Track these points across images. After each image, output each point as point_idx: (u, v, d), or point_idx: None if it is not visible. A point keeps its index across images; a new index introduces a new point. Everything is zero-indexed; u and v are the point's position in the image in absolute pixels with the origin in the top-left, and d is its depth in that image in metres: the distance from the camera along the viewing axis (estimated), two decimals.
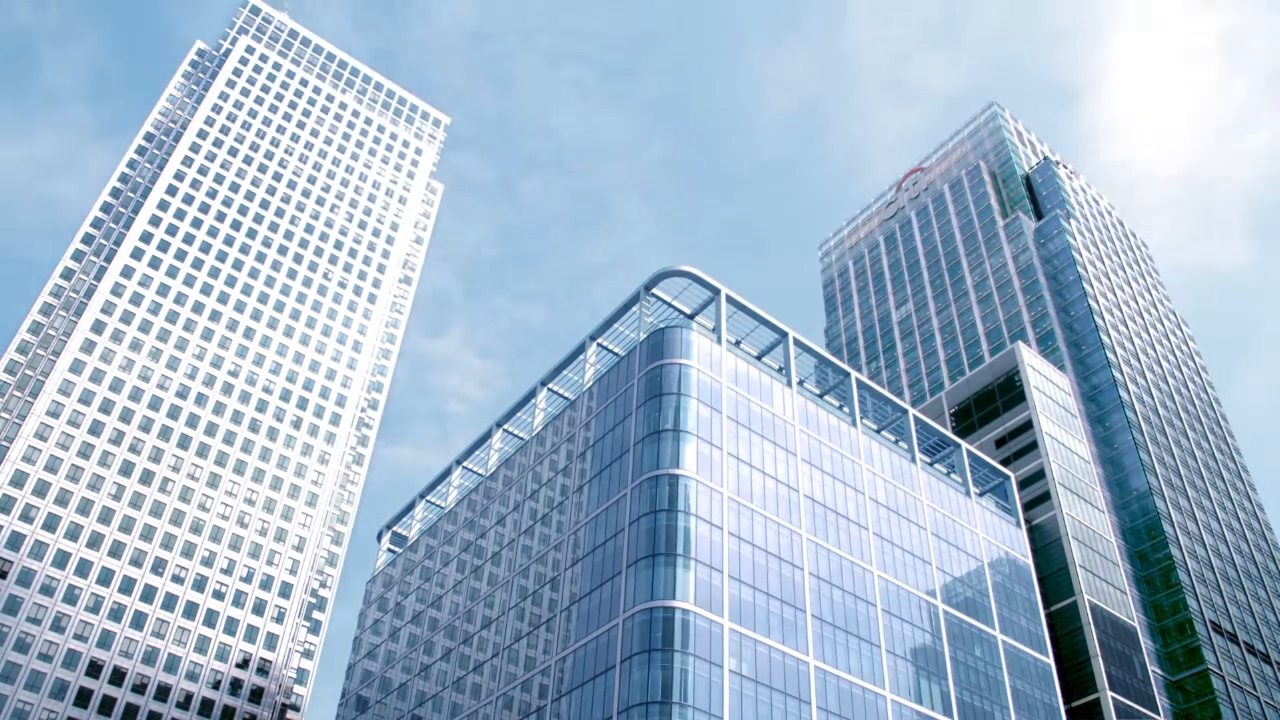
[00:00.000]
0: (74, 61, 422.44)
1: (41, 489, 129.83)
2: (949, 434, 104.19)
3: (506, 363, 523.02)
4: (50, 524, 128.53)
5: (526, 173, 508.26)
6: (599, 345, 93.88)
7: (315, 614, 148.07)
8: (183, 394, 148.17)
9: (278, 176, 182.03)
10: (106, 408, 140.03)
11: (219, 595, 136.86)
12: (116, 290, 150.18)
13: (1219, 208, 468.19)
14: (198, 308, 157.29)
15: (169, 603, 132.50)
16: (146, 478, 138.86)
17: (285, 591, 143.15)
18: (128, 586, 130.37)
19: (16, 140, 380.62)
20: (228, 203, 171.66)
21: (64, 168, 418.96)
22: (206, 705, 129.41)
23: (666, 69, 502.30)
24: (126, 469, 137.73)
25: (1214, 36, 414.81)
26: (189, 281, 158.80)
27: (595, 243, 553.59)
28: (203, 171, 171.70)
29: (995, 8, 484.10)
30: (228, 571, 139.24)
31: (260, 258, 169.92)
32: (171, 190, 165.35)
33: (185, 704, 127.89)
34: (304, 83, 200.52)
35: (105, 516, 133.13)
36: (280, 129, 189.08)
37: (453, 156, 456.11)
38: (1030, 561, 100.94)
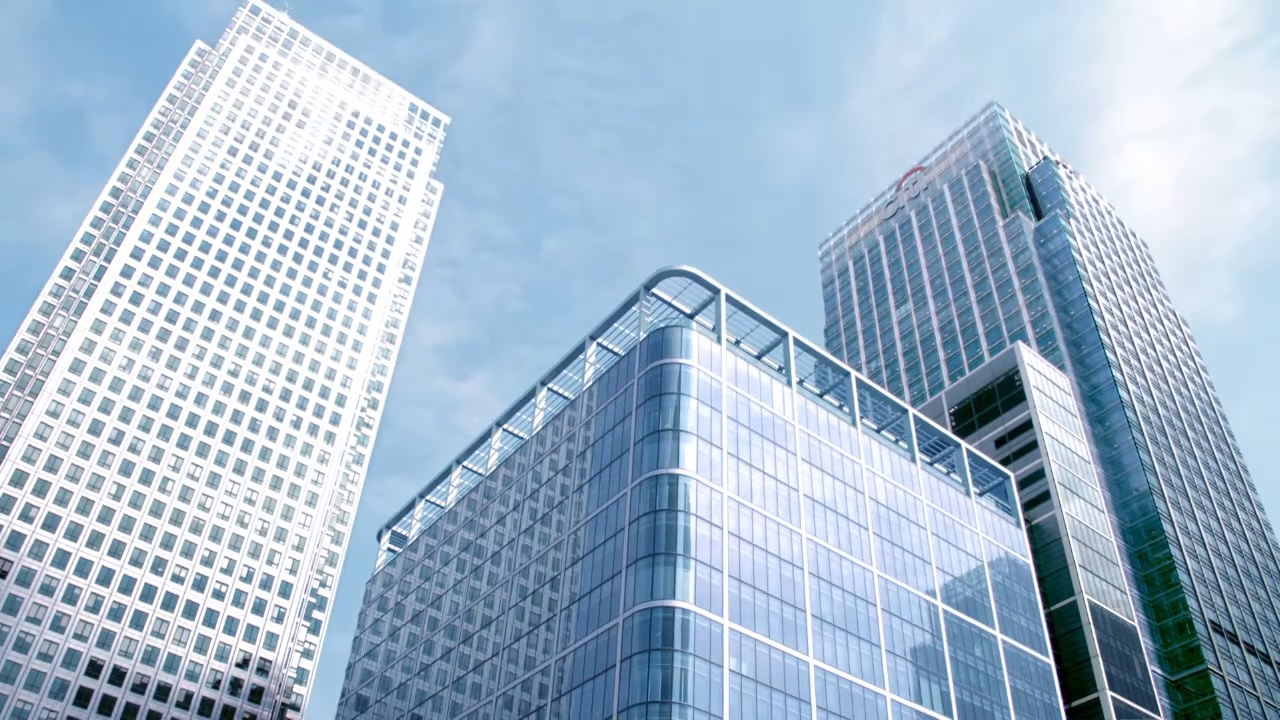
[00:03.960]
0: (121, 129, 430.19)
1: (41, 489, 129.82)
2: (949, 434, 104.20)
3: None
4: (50, 524, 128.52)
5: (552, 230, 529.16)
6: (599, 345, 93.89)
7: (315, 614, 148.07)
8: (183, 394, 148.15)
9: (278, 176, 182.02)
10: (106, 408, 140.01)
11: (219, 595, 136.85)
12: (116, 290, 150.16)
13: (1207, 267, 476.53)
14: (198, 308, 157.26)
15: (169, 602, 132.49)
16: (146, 478, 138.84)
17: (285, 591, 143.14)
18: (128, 586, 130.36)
19: (69, 198, 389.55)
20: (228, 202, 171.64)
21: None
22: (206, 705, 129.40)
23: (687, 138, 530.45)
24: (126, 469, 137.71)
25: (1202, 112, 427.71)
26: (189, 281, 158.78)
27: (617, 292, 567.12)
28: (203, 171, 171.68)
29: (994, 87, 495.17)
30: (228, 571, 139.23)
31: (260, 257, 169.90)
32: (171, 190, 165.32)
33: (185, 704, 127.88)
34: (304, 82, 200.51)
35: (105, 516, 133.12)
36: (280, 128, 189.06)
37: (480, 216, 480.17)
38: (1030, 561, 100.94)
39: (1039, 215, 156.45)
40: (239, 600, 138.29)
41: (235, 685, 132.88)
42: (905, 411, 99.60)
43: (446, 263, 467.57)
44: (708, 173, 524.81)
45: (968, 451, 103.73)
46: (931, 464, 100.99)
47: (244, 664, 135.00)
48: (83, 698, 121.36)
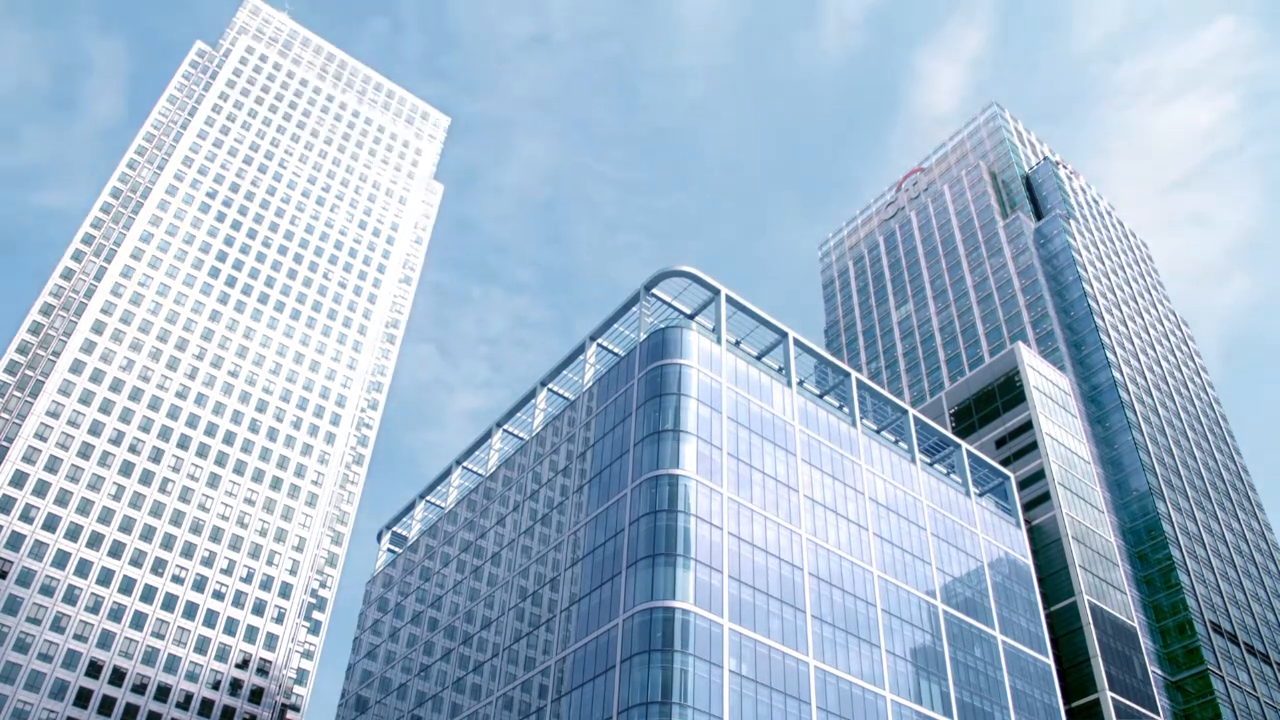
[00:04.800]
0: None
1: (41, 489, 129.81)
2: (949, 434, 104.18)
3: None
4: (50, 524, 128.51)
5: (582, 313, 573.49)
6: (599, 345, 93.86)
7: (315, 614, 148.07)
8: (183, 394, 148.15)
9: (278, 176, 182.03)
10: (106, 408, 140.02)
11: (219, 595, 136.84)
12: (116, 290, 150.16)
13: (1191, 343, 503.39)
14: (198, 308, 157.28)
15: (169, 603, 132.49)
16: (146, 478, 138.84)
17: (285, 592, 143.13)
18: (128, 586, 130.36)
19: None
20: (228, 203, 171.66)
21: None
22: (206, 705, 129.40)
23: (712, 237, 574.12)
24: (126, 469, 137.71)
25: (1186, 213, 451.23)
26: (189, 281, 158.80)
27: None
28: (203, 171, 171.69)
29: None
30: (228, 572, 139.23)
31: (260, 258, 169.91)
32: (171, 190, 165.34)
33: (185, 704, 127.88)
34: (304, 83, 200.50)
35: (105, 516, 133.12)
36: (280, 129, 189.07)
37: (516, 301, 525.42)
38: (1030, 562, 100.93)
39: (1039, 215, 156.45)
40: (239, 601, 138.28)
41: (235, 686, 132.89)
42: (905, 412, 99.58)
43: (486, 340, 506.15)
44: (726, 267, 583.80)
45: (968, 452, 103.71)
46: (931, 464, 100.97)
47: (244, 665, 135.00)
48: (83, 698, 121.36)
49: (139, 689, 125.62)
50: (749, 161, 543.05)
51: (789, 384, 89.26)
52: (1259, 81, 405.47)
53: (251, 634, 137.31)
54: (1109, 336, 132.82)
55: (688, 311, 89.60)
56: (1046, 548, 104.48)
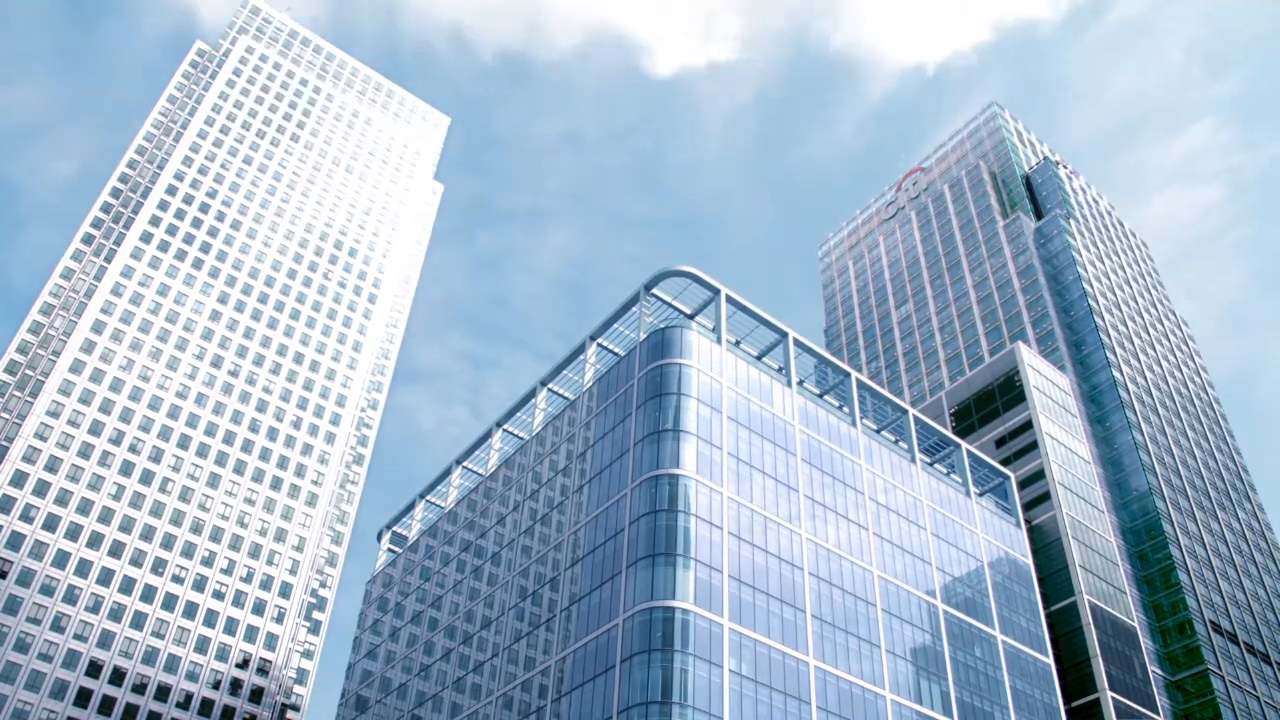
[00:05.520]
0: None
1: (41, 489, 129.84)
2: (949, 434, 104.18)
3: None
4: (50, 524, 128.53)
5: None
6: (599, 345, 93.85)
7: (315, 614, 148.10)
8: (183, 394, 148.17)
9: (278, 176, 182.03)
10: (106, 408, 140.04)
11: (219, 595, 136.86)
12: (116, 290, 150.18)
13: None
14: (198, 308, 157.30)
15: (169, 603, 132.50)
16: (146, 478, 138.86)
17: (285, 591, 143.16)
18: (128, 586, 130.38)
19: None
20: (228, 203, 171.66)
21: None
22: (206, 705, 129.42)
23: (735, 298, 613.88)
24: (126, 469, 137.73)
25: (1175, 285, 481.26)
26: (189, 281, 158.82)
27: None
28: (203, 171, 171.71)
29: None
30: (228, 571, 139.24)
31: (260, 257, 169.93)
32: (171, 190, 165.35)
33: (185, 704, 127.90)
34: (304, 83, 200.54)
35: (105, 516, 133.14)
36: (280, 129, 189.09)
37: (544, 365, 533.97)
38: (1030, 561, 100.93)
39: (1039, 215, 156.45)
40: (239, 601, 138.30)
41: (235, 686, 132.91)
42: (905, 412, 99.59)
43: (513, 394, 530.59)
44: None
45: (968, 452, 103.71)
46: (931, 464, 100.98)
47: (244, 664, 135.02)
48: (83, 698, 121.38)
49: (139, 689, 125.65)
50: (763, 241, 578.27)
51: (789, 384, 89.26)
52: (1239, 173, 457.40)
53: (251, 634, 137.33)
54: (1109, 336, 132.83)
55: (688, 311, 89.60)
56: (1046, 547, 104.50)
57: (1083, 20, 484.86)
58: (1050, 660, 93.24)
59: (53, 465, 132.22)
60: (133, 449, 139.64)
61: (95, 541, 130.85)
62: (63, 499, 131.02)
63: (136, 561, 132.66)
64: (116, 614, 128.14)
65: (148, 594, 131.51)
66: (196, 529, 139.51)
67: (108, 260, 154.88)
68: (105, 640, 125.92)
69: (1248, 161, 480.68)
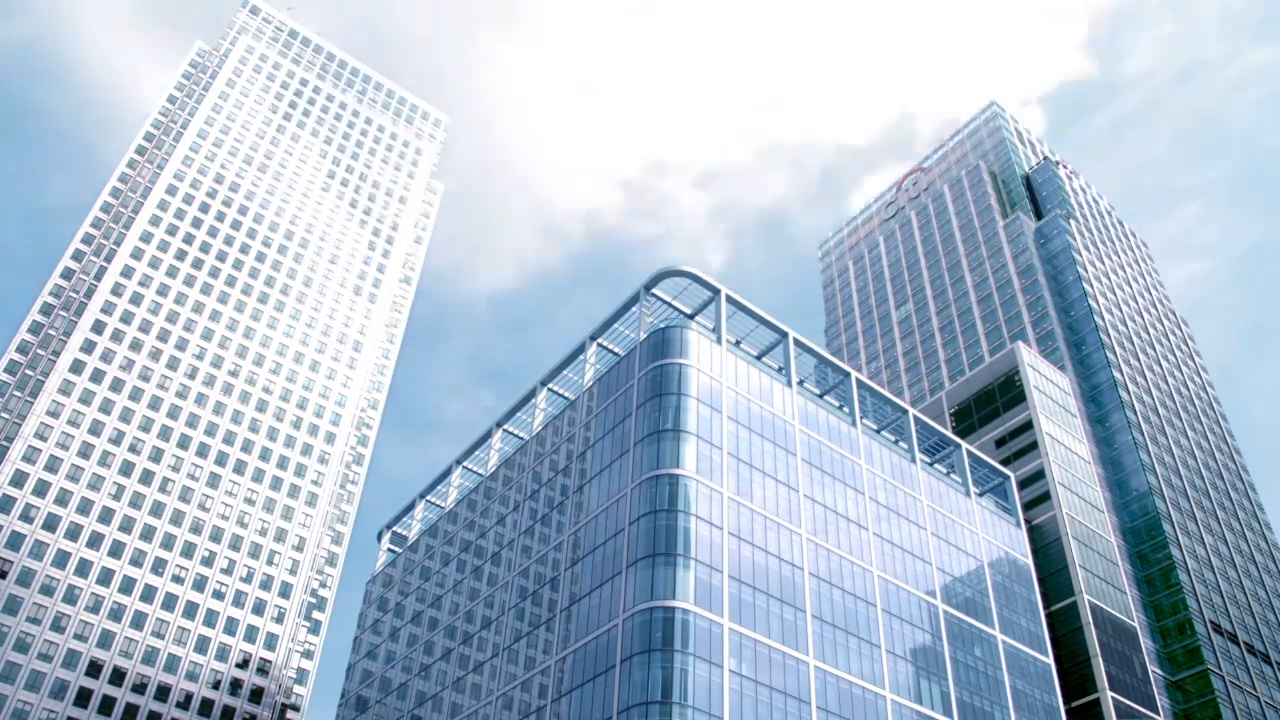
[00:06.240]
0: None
1: (41, 489, 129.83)
2: (949, 434, 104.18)
3: None
4: (50, 524, 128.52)
5: None
6: (599, 345, 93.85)
7: (315, 614, 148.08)
8: (183, 394, 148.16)
9: (278, 176, 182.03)
10: (106, 408, 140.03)
11: (219, 595, 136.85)
12: (116, 290, 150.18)
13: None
14: (198, 308, 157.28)
15: (169, 603, 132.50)
16: (146, 478, 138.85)
17: (285, 591, 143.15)
18: (128, 586, 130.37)
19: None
20: (228, 202, 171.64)
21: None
22: (206, 705, 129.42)
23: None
24: (126, 469, 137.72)
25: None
26: (189, 281, 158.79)
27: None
28: (203, 171, 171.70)
29: None
30: (228, 571, 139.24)
31: (260, 257, 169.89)
32: (171, 190, 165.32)
33: (185, 704, 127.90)
34: (304, 82, 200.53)
35: (105, 516, 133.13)
36: (280, 129, 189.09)
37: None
38: (1030, 561, 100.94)
39: (1039, 215, 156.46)
40: (239, 601, 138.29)
41: (235, 686, 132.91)
42: (905, 412, 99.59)
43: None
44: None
45: (968, 452, 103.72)
46: (931, 464, 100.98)
47: (244, 664, 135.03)
48: (83, 698, 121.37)
49: (139, 689, 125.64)
50: (776, 306, 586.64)
51: (789, 384, 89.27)
52: (1229, 249, 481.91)
53: (251, 634, 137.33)
54: (1109, 336, 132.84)
55: (688, 311, 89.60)
56: (1046, 547, 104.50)
57: (1065, 122, 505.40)
58: (1050, 660, 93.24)
59: (53, 465, 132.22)
60: (133, 449, 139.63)
61: (95, 541, 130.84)
62: (63, 499, 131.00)
63: (136, 561, 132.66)
64: (116, 614, 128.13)
65: (148, 594, 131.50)
66: (196, 529, 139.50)
67: (108, 260, 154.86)
68: (105, 640, 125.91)
69: (1238, 237, 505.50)
